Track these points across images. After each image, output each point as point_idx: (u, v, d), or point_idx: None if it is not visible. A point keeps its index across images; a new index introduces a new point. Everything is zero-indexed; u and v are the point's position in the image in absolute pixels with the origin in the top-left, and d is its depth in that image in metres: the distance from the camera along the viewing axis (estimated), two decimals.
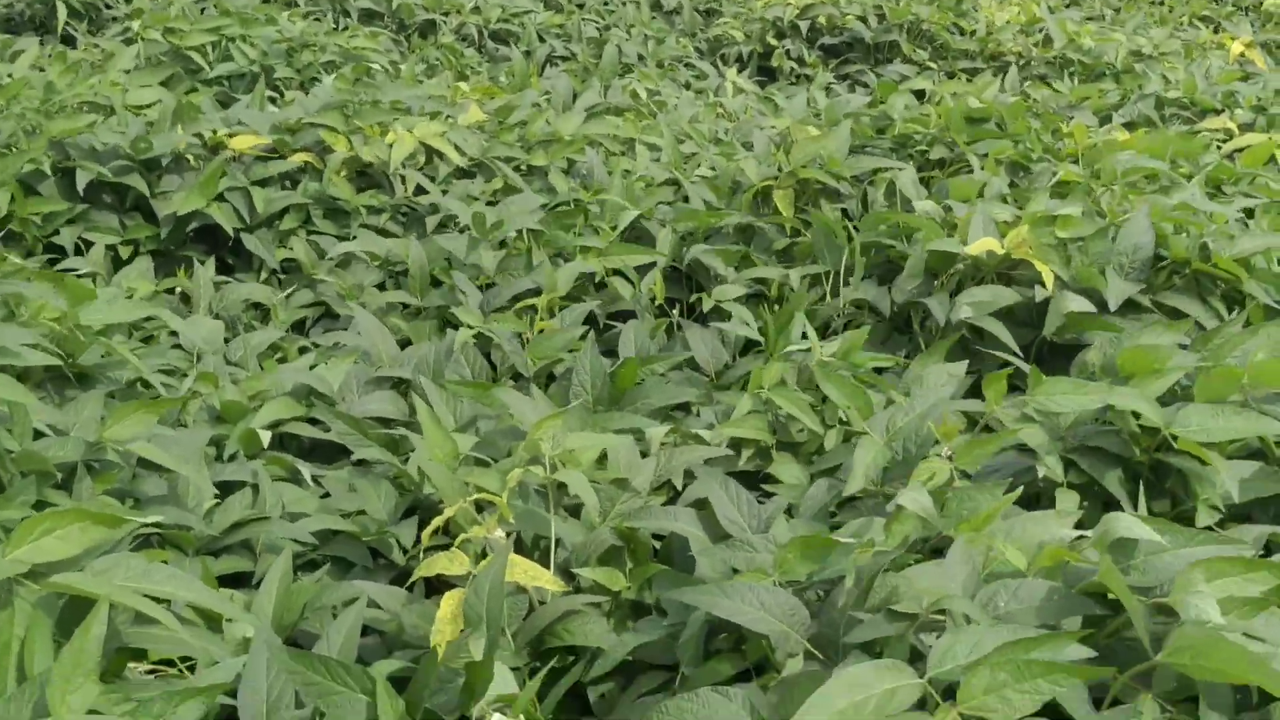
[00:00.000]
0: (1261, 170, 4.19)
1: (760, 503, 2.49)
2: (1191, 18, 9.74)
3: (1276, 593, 1.79)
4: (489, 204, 4.25)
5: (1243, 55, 6.28)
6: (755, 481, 2.74)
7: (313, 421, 2.93)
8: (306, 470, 2.71)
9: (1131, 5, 9.47)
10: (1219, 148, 4.60)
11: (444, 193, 4.36)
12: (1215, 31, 8.42)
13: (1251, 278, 2.99)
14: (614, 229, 3.88)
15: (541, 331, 3.27)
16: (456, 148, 4.54)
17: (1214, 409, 2.27)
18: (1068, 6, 9.85)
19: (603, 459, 2.65)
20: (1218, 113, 5.27)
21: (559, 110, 5.00)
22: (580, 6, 7.80)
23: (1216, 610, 1.68)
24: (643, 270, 3.84)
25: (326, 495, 2.70)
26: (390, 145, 4.40)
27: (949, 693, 1.57)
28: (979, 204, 3.30)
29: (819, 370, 2.77)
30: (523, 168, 4.63)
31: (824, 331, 3.60)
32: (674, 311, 3.72)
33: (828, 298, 3.68)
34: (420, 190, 4.41)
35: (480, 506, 2.36)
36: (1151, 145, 3.97)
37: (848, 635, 1.86)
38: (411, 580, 2.23)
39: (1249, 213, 3.62)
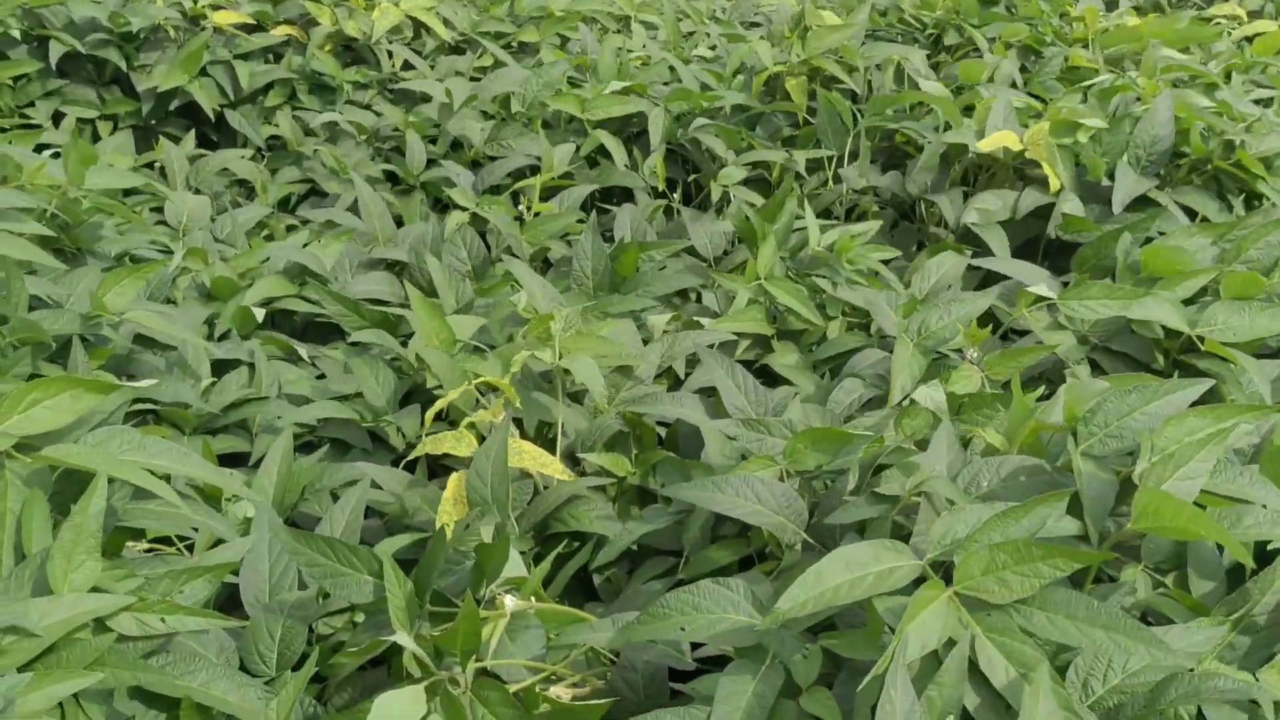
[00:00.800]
0: (1273, 59, 4.10)
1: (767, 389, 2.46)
2: None
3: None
4: (473, 79, 4.12)
5: None
6: (756, 371, 2.70)
7: (305, 301, 2.86)
8: (303, 350, 2.64)
9: None
10: (1229, 35, 4.49)
11: (431, 68, 4.22)
12: None
13: (1272, 175, 2.92)
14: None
15: (538, 215, 3.18)
16: (445, 22, 4.39)
17: (1240, 307, 2.23)
18: None
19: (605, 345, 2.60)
20: None
21: None
22: None
23: (1173, 476, 1.63)
24: (638, 153, 3.74)
25: (322, 376, 2.64)
26: (375, 18, 4.25)
27: (948, 574, 1.54)
28: (999, 90, 3.19)
29: (827, 266, 2.72)
30: (513, 44, 4.48)
31: (825, 218, 3.52)
32: (675, 195, 3.63)
33: (829, 183, 3.60)
34: (408, 65, 4.28)
35: (482, 392, 2.30)
36: (1164, 31, 3.86)
37: (831, 517, 1.83)
38: (412, 457, 2.19)
39: (1263, 104, 3.54)
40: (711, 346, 2.66)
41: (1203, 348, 2.25)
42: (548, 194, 3.42)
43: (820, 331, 2.77)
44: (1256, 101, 3.62)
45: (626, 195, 3.66)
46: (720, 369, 2.38)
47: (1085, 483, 1.67)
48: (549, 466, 2.03)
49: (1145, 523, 1.54)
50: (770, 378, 2.66)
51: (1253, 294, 2.28)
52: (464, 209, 3.12)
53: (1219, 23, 4.64)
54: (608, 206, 3.53)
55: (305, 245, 3.04)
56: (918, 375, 2.30)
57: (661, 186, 3.53)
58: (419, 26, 4.42)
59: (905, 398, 2.25)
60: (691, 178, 3.75)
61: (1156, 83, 3.32)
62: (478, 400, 2.31)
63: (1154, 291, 2.26)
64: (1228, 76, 4.00)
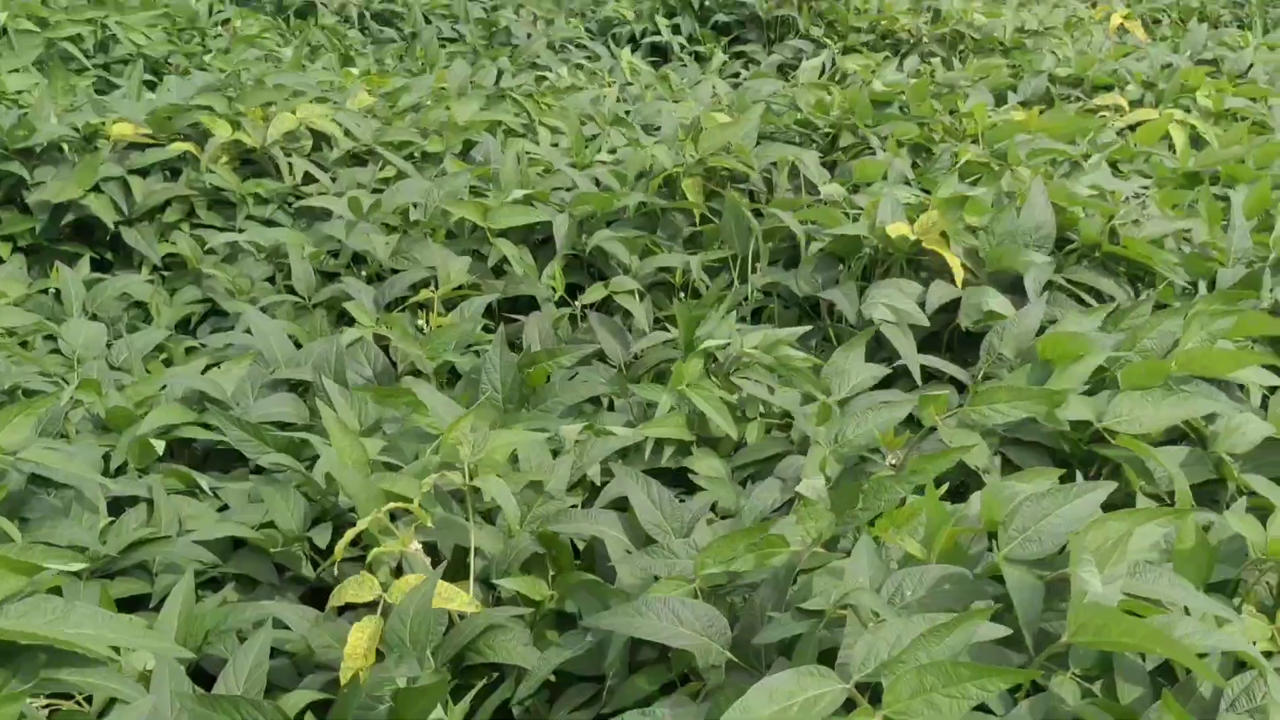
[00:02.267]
0: (1154, 148, 4.24)
1: (682, 500, 2.44)
2: None
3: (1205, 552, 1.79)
4: (375, 191, 4.11)
5: (1123, 27, 6.38)
6: (675, 475, 2.69)
7: (206, 428, 2.78)
8: (204, 481, 2.56)
9: None
10: (1112, 126, 4.65)
11: (333, 180, 4.20)
12: (1093, 6, 8.59)
13: (1161, 260, 3.01)
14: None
15: (439, 327, 3.15)
16: (347, 132, 4.38)
17: (1144, 396, 2.27)
18: None
19: (516, 459, 2.56)
20: (1109, 89, 5.34)
21: (455, 94, 4.86)
22: None
23: (1104, 585, 1.64)
24: (542, 260, 3.75)
25: (226, 508, 2.56)
26: (271, 126, 4.21)
27: (877, 695, 1.52)
28: (886, 187, 3.27)
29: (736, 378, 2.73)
30: (416, 155, 4.48)
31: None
32: (576, 302, 3.63)
33: (735, 283, 3.63)
34: (310, 178, 4.25)
35: (394, 515, 2.25)
36: (1050, 125, 3.99)
37: (757, 637, 1.81)
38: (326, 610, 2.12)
39: (1144, 189, 3.65)
40: (625, 454, 2.65)
41: (1113, 440, 2.28)
42: (452, 305, 3.40)
43: (741, 433, 2.77)
44: (1144, 187, 3.74)
45: (535, 304, 3.65)
46: (633, 483, 2.36)
47: (1015, 590, 1.67)
48: (457, 600, 1.98)
49: (1086, 637, 1.54)
50: (692, 485, 2.65)
51: (1152, 383, 2.32)
52: (362, 326, 3.07)
53: (1102, 114, 4.80)
54: (515, 316, 3.52)
55: (205, 369, 2.97)
56: (829, 473, 2.31)
57: (560, 294, 3.53)
58: (320, 138, 4.40)
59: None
60: (598, 284, 3.75)
61: (1032, 170, 3.42)
62: (390, 523, 2.25)
63: (1059, 390, 2.29)
64: (1114, 165, 4.14)
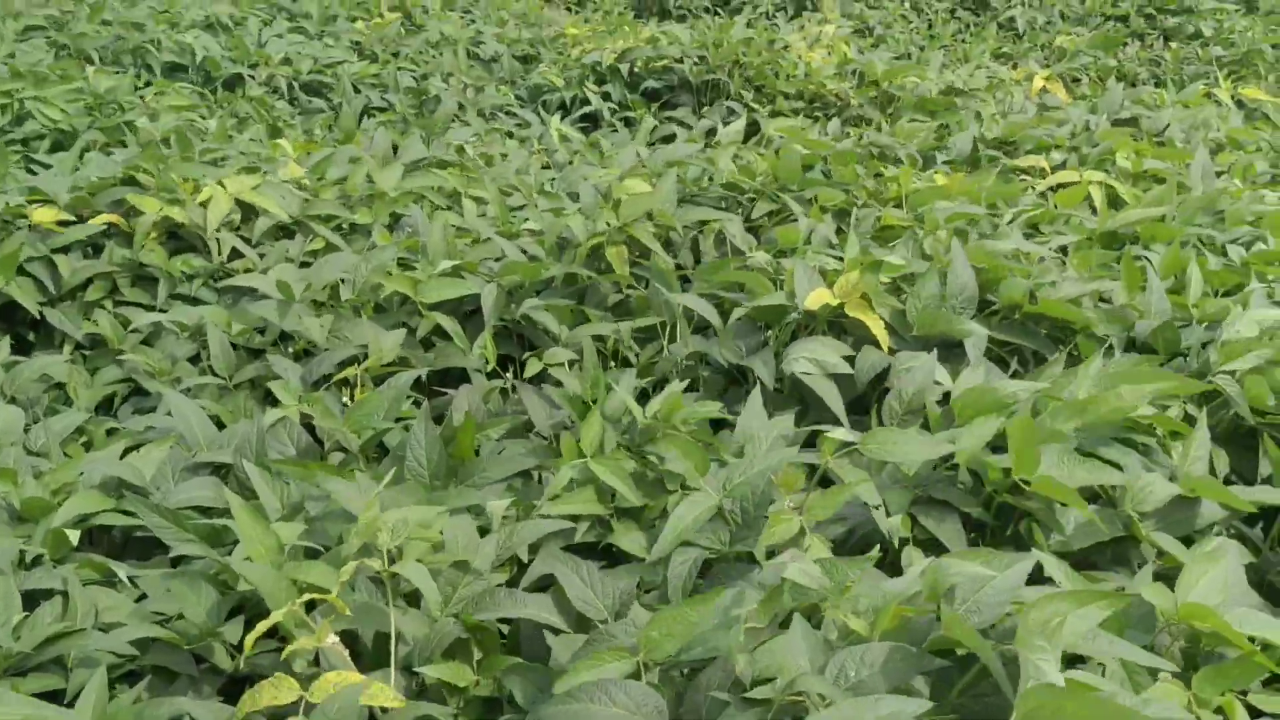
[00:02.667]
0: (1076, 211, 4.33)
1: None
2: (990, 55, 10.17)
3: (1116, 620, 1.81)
4: (304, 265, 4.08)
5: (1044, 89, 6.53)
6: (601, 552, 2.68)
7: (124, 514, 2.73)
8: (122, 571, 2.51)
9: (935, 43, 9.83)
10: (1034, 189, 4.73)
11: (261, 256, 4.16)
12: (1013, 67, 8.79)
13: (1080, 318, 3.06)
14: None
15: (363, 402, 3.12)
16: (276, 206, 4.35)
17: (1057, 456, 2.29)
18: (874, 47, 10.17)
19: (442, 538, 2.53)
20: (1033, 152, 5.45)
21: (380, 164, 4.85)
22: (395, 55, 7.65)
23: (1055, 669, 1.66)
24: (472, 332, 3.74)
25: (144, 597, 2.50)
26: (204, 204, 4.19)
27: None
28: (799, 255, 3.30)
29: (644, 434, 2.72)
30: (345, 226, 4.46)
31: (661, 386, 3.55)
32: (508, 373, 3.62)
33: (665, 351, 3.64)
34: (237, 254, 4.21)
35: (312, 604, 2.21)
36: (971, 188, 4.06)
37: None
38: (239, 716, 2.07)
39: (1064, 250, 3.72)
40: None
41: (1029, 489, 2.30)
42: (381, 380, 3.37)
43: (663, 503, 2.76)
44: (1062, 249, 3.81)
45: (466, 376, 3.63)
46: (560, 561, 2.34)
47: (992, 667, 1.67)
48: (379, 698, 1.94)
49: (1041, 717, 1.54)
50: (617, 558, 2.63)
51: (1062, 439, 2.36)
52: (285, 405, 3.04)
53: (1023, 177, 4.89)
54: (444, 390, 3.50)
55: (125, 453, 2.92)
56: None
57: (491, 365, 3.52)
58: (247, 210, 4.37)
59: (741, 559, 2.23)
60: (527, 355, 3.75)
61: (948, 233, 3.48)
62: (309, 611, 2.21)
63: (965, 431, 2.31)
64: (1036, 227, 4.22)
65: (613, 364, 3.70)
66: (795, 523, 2.14)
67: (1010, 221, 3.89)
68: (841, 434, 2.32)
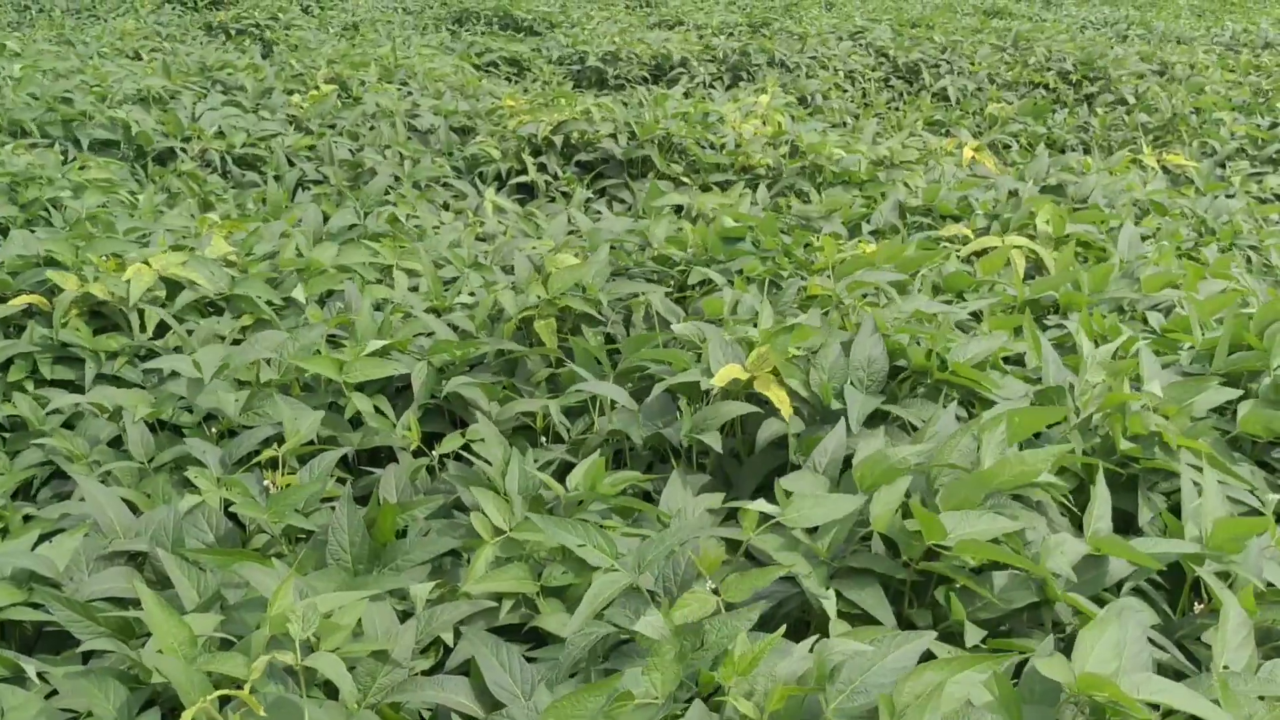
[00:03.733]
0: (998, 277, 4.39)
1: (530, 661, 2.39)
2: (923, 123, 10.37)
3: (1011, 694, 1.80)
4: (235, 342, 4.04)
5: (974, 159, 6.65)
6: (528, 634, 2.64)
7: (36, 607, 2.66)
8: (31, 668, 2.44)
9: (869, 112, 10.00)
10: (958, 255, 4.80)
11: (189, 333, 4.12)
12: (946, 135, 8.96)
13: (987, 380, 3.09)
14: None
15: (285, 487, 3.07)
16: (203, 281, 4.31)
17: (962, 516, 2.31)
18: (811, 115, 10.33)
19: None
20: (956, 219, 5.53)
21: (311, 238, 4.84)
22: (331, 128, 7.66)
23: None
24: (402, 408, 3.71)
25: (54, 693, 2.43)
26: (127, 281, 4.14)
27: None
28: (714, 330, 3.32)
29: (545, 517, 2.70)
30: (275, 301, 4.43)
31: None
32: (434, 451, 3.59)
33: (594, 426, 3.63)
34: (162, 330, 4.16)
35: (227, 697, 2.16)
36: (894, 255, 4.11)
37: None
38: None
39: (978, 315, 3.76)
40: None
41: (951, 552, 2.31)
42: (308, 458, 3.33)
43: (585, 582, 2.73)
44: (974, 314, 3.85)
45: (395, 455, 3.60)
46: (481, 645, 2.31)
47: None
48: None
49: None
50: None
51: (971, 504, 2.37)
52: (204, 489, 2.98)
53: (945, 244, 4.96)
54: (371, 470, 3.46)
55: (38, 541, 2.84)
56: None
57: (415, 445, 3.49)
58: (174, 287, 4.32)
59: None
60: (459, 431, 3.72)
61: (857, 301, 3.51)
62: (222, 706, 2.16)
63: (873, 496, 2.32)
64: (960, 294, 4.27)
65: (543, 439, 3.69)
66: (711, 602, 2.12)
67: (920, 288, 3.93)
68: (760, 507, 2.32)
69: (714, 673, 1.96)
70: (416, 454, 3.60)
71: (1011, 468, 2.37)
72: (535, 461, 3.45)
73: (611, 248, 4.74)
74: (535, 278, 3.92)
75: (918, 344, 3.18)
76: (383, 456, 3.64)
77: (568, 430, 3.66)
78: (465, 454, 3.41)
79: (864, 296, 3.67)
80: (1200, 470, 2.84)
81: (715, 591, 2.26)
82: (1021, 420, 2.59)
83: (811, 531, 2.39)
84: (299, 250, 4.65)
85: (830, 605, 2.28)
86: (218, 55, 9.31)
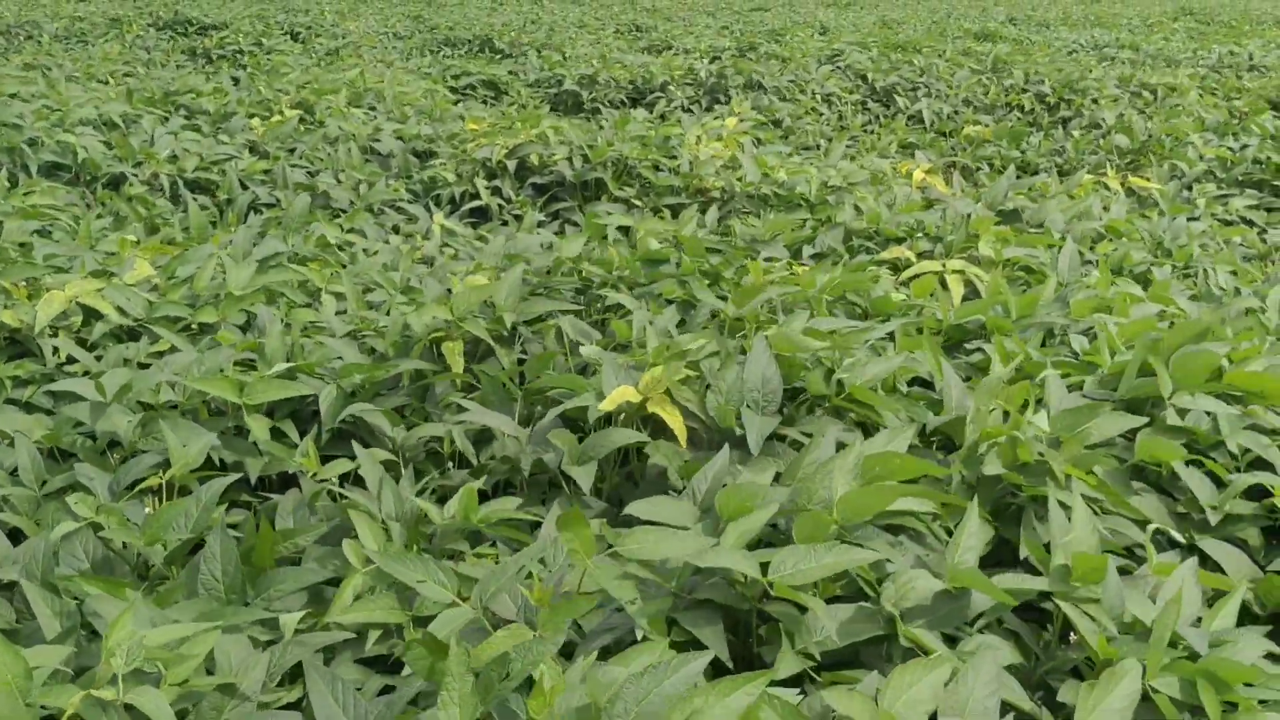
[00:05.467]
0: (927, 300, 4.32)
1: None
2: (898, 145, 10.33)
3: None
4: (144, 366, 3.98)
5: (925, 181, 6.60)
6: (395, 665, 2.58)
7: None
8: None
9: (843, 135, 9.96)
10: (896, 280, 4.73)
11: (99, 359, 4.06)
12: (912, 155, 8.92)
13: (884, 405, 3.02)
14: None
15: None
16: (119, 308, 4.26)
17: (808, 549, 2.23)
18: (784, 138, 10.29)
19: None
20: (900, 241, 5.47)
21: (238, 261, 4.78)
22: (291, 151, 7.63)
23: None
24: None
25: None
26: (39, 307, 4.09)
27: None
28: (609, 355, 3.26)
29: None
30: (194, 326, 4.37)
31: (505, 490, 3.47)
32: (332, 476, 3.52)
33: (497, 455, 3.56)
34: (73, 358, 4.10)
35: None
36: (811, 281, 4.04)
37: None
38: None
39: (891, 336, 3.69)
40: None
41: (773, 593, 2.24)
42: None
43: None
44: (889, 335, 3.77)
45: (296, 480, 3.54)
46: (317, 678, 2.23)
47: None
48: None
49: None
50: None
51: (820, 537, 2.30)
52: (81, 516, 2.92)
53: (886, 268, 4.89)
54: (268, 495, 3.40)
55: None
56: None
57: (313, 471, 3.42)
58: (89, 314, 4.27)
59: None
60: (349, 457, 3.65)
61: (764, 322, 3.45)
62: None
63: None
64: (889, 318, 4.19)
65: (450, 465, 3.62)
66: (527, 634, 2.05)
67: (865, 311, 3.86)
68: (602, 533, 2.26)
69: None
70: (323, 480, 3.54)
71: (866, 499, 2.30)
72: (430, 493, 3.39)
73: (547, 272, 4.68)
74: (443, 299, 3.86)
75: (811, 367, 3.11)
76: (292, 483, 3.57)
77: (475, 456, 3.59)
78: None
79: (772, 317, 3.60)
80: (1099, 500, 2.77)
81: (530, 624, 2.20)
82: (881, 462, 2.51)
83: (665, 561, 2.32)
84: (222, 273, 4.59)
85: (651, 635, 2.21)
86: (183, 80, 9.30)
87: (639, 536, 2.24)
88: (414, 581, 2.32)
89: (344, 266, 5.03)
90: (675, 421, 2.89)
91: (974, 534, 2.34)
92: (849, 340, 3.26)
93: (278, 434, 3.64)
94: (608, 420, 3.27)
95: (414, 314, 3.80)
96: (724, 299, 4.13)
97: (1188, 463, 2.93)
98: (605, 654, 2.25)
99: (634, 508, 2.53)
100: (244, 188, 6.85)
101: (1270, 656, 2.28)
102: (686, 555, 2.19)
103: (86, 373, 4.00)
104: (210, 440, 3.31)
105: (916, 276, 4.87)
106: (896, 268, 5.15)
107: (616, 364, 3.11)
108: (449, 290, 4.13)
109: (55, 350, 4.10)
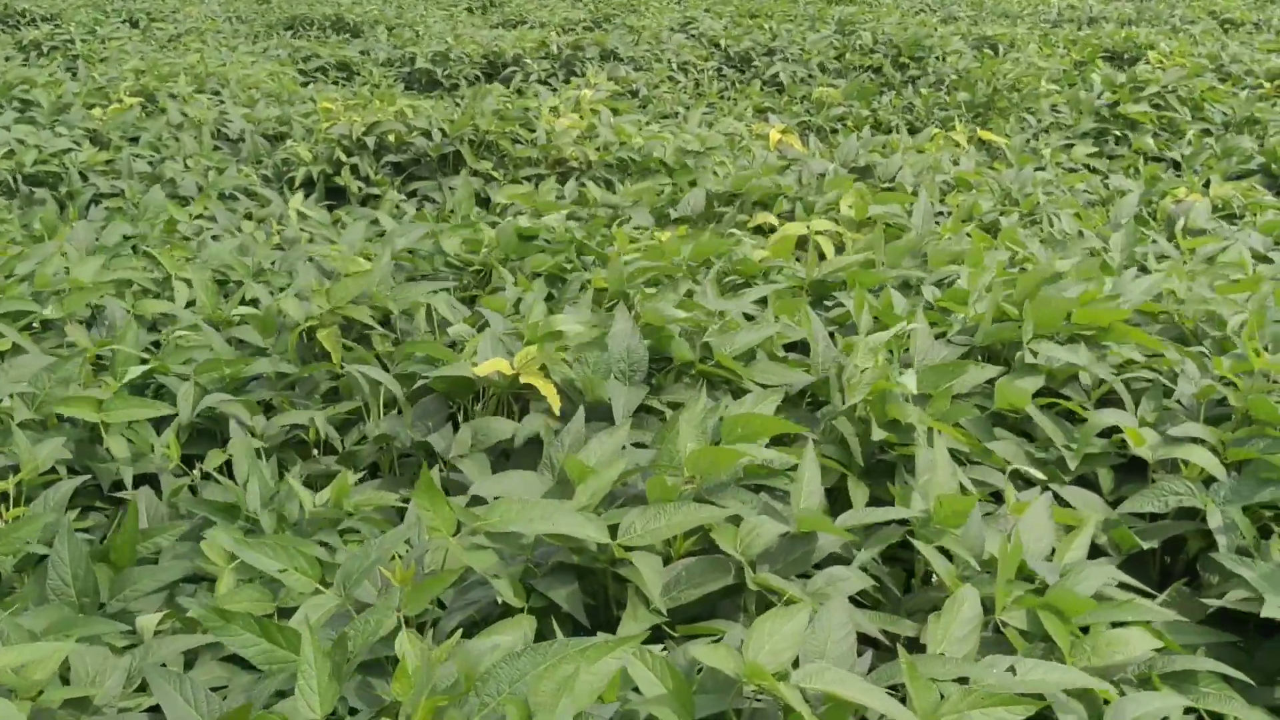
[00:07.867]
0: (787, 260, 4.35)
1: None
2: (754, 110, 10.40)
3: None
4: None
5: (781, 142, 6.64)
6: None
7: None
8: None
9: (700, 103, 9.99)
10: (757, 245, 4.75)
11: None
12: (766, 119, 8.99)
13: (751, 370, 3.02)
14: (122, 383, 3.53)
15: (15, 519, 2.87)
16: None
17: (657, 509, 2.23)
18: (642, 108, 10.29)
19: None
20: (764, 206, 5.50)
21: (82, 255, 4.58)
22: (134, 140, 7.34)
23: None
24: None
25: None
26: None
27: None
28: (495, 318, 3.21)
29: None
30: (35, 325, 4.18)
31: (374, 474, 3.40)
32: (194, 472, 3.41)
33: (369, 436, 3.48)
34: None
35: None
36: (676, 249, 4.04)
37: None
38: None
39: (764, 302, 3.71)
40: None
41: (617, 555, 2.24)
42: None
43: None
44: (762, 300, 3.79)
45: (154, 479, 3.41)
46: (162, 680, 2.15)
47: None
48: None
49: None
50: None
51: (670, 496, 2.31)
52: None
53: (733, 233, 4.91)
54: (122, 497, 3.27)
55: None
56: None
57: (174, 464, 3.30)
58: None
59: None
60: (220, 449, 3.54)
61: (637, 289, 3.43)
62: None
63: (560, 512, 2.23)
64: (749, 281, 4.21)
65: (315, 452, 3.53)
66: (393, 617, 2.00)
67: (713, 277, 3.86)
68: (460, 513, 2.22)
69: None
70: (181, 476, 3.42)
71: (703, 459, 2.32)
72: (300, 476, 3.30)
73: (409, 252, 4.59)
74: (320, 286, 3.75)
75: (678, 338, 3.10)
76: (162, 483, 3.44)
77: (340, 442, 3.51)
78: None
79: (632, 286, 3.59)
80: (965, 453, 2.82)
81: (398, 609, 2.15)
82: (742, 423, 2.52)
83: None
84: (65, 268, 4.39)
85: (511, 602, 2.20)
86: (15, 71, 8.86)
87: (499, 509, 2.20)
88: (276, 571, 2.25)
89: (192, 258, 4.85)
90: (549, 390, 2.86)
91: (812, 479, 2.37)
92: (714, 309, 3.26)
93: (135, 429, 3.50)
94: (479, 399, 3.22)
95: (289, 299, 3.68)
96: (587, 267, 4.11)
97: (1042, 407, 3.00)
98: (473, 628, 2.22)
99: (479, 487, 2.50)
100: (84, 179, 6.57)
101: (1123, 586, 2.34)
102: (532, 524, 2.16)
103: None
104: (58, 444, 3.17)
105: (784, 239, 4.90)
106: (762, 230, 5.18)
107: (494, 335, 3.06)
108: (326, 276, 4.01)
109: None
